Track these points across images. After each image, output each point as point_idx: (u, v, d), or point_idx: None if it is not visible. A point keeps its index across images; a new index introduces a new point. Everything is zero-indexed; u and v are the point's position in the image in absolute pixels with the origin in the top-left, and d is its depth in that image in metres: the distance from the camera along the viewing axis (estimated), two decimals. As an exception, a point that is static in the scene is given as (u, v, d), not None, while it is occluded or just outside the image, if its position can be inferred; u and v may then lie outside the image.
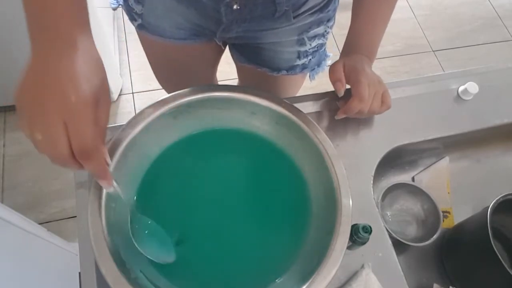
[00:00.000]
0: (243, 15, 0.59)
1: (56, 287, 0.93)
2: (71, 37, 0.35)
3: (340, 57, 0.64)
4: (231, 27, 0.62)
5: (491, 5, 2.03)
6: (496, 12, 2.01)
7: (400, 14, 1.95)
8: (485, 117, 0.67)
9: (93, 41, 0.38)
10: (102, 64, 0.38)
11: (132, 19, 0.66)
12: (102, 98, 0.36)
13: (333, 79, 0.60)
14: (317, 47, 0.70)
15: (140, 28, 0.67)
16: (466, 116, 0.67)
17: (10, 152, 1.38)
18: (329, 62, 0.77)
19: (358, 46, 0.63)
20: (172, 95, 0.53)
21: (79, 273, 0.49)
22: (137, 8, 0.63)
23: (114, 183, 0.42)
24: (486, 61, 1.83)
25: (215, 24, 0.62)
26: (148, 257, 0.46)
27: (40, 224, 1.03)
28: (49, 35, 0.35)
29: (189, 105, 0.54)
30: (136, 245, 0.45)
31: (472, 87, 0.67)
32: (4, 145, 1.39)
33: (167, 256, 0.48)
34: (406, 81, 0.70)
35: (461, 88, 0.69)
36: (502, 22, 1.98)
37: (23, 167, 1.36)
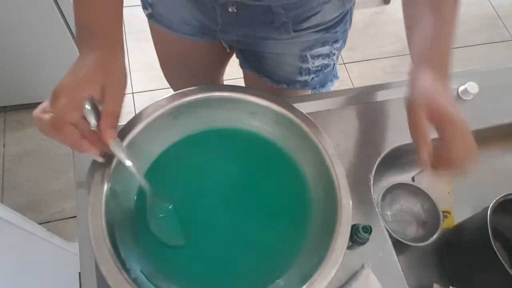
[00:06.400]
0: (240, 19, 0.59)
1: (56, 287, 0.93)
2: (105, 50, 0.45)
3: (415, 78, 0.47)
4: (228, 29, 0.62)
5: (491, 5, 2.03)
6: (496, 12, 2.01)
7: (399, 14, 1.94)
8: (485, 117, 0.67)
9: (120, 52, 0.47)
10: (116, 67, 0.46)
11: (144, 7, 0.68)
12: (109, 90, 0.43)
13: (417, 139, 0.45)
14: (321, 67, 0.69)
15: (150, 17, 0.68)
16: (466, 116, 0.66)
17: (10, 152, 1.38)
18: (336, 84, 0.74)
19: (432, 59, 0.48)
20: (172, 95, 0.53)
21: (79, 273, 0.49)
22: None
23: (125, 160, 0.46)
24: (486, 61, 1.83)
25: (213, 23, 0.62)
26: (160, 239, 0.49)
27: (40, 224, 1.03)
28: (87, 48, 0.45)
29: (189, 105, 0.54)
30: (150, 227, 0.49)
31: (472, 87, 0.67)
32: (4, 145, 1.39)
33: (178, 240, 0.50)
34: (406, 81, 0.69)
35: (461, 88, 0.69)
36: (502, 22, 1.98)
37: (23, 167, 1.36)
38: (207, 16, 0.61)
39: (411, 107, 0.46)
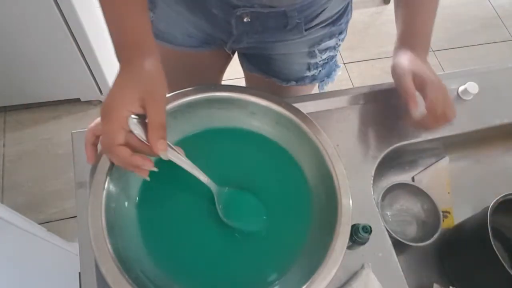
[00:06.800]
0: (254, 27, 0.59)
1: (56, 287, 0.93)
2: (136, 61, 0.45)
3: (398, 55, 0.59)
4: (242, 38, 0.62)
5: (491, 5, 2.03)
6: (496, 12, 2.01)
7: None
8: (485, 117, 0.67)
9: (155, 57, 0.47)
10: (154, 74, 0.46)
11: None
12: (149, 101, 0.43)
13: (407, 97, 0.55)
14: (328, 59, 0.69)
15: None
16: (466, 116, 0.67)
17: (10, 152, 1.38)
18: (339, 72, 0.77)
19: (415, 40, 0.59)
20: (172, 95, 0.53)
21: (79, 273, 0.49)
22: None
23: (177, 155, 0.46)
24: (486, 61, 1.83)
25: (226, 35, 0.62)
26: (240, 227, 0.51)
27: (40, 224, 1.03)
28: (124, 59, 0.46)
29: (189, 105, 0.54)
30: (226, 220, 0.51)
31: (472, 87, 0.67)
32: (4, 145, 1.39)
33: (255, 224, 0.52)
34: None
35: (461, 88, 0.69)
36: (502, 22, 1.98)
37: (23, 167, 1.36)
38: (220, 29, 0.61)
39: (398, 73, 0.57)
